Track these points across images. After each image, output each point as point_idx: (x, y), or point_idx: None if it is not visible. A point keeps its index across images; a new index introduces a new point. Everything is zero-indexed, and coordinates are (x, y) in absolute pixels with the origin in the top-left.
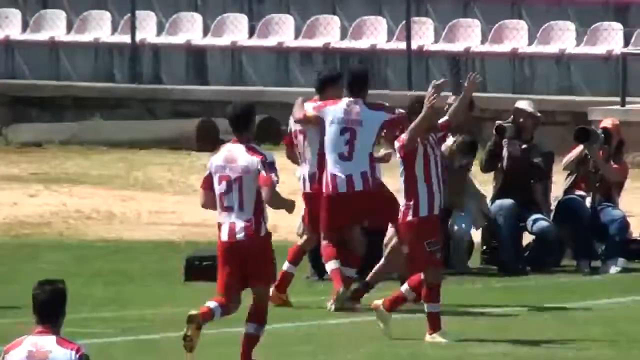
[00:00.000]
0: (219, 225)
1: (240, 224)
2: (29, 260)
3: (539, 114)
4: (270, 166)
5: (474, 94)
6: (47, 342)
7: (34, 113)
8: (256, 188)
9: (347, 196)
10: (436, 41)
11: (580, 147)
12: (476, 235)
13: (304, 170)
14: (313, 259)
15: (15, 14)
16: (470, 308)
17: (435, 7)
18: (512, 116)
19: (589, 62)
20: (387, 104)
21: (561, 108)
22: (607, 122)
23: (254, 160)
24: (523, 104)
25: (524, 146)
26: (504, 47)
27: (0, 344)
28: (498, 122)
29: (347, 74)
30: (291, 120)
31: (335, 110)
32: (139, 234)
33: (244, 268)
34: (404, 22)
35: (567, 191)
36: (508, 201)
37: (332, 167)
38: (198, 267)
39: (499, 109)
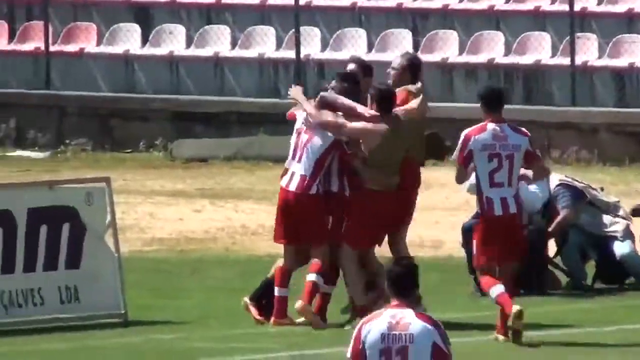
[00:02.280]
0: None
1: None
2: (194, 275)
3: None
4: None
5: None
6: (406, 314)
7: (199, 129)
8: None
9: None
10: (600, 57)
11: None
12: None
13: None
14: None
15: (179, 30)
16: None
17: (599, 22)
18: None
19: None
20: None
21: None
22: None
23: None
24: None
25: None
26: None
27: (168, 359)
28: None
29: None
30: None
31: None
32: None
33: None
34: (568, 37)
35: None
36: None
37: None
38: None
39: None
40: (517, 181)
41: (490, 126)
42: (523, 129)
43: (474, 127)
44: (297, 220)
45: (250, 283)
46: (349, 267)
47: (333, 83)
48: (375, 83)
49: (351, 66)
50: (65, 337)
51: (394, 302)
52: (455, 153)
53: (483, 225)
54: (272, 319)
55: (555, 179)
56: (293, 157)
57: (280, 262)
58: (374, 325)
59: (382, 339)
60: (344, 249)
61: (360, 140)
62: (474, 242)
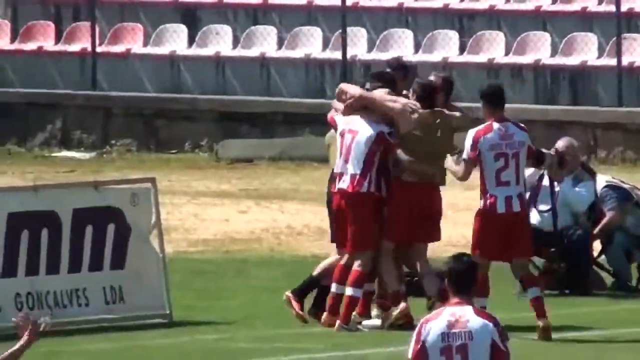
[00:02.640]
0: None
1: None
2: (239, 276)
3: None
4: None
5: None
6: (466, 311)
7: (244, 129)
8: None
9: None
10: None
11: None
12: None
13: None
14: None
15: (226, 30)
16: None
17: None
18: None
19: None
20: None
21: None
22: None
23: None
24: None
25: None
26: None
27: (211, 359)
28: None
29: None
30: None
31: None
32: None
33: None
34: (614, 38)
35: None
36: None
37: None
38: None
39: None
40: (524, 179)
41: (496, 125)
42: (522, 124)
43: (480, 126)
44: (349, 222)
45: (295, 283)
46: (385, 259)
47: (368, 85)
48: (418, 79)
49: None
50: (109, 337)
51: (454, 299)
52: (466, 152)
53: (482, 220)
54: (325, 315)
55: (602, 180)
56: (341, 161)
57: (329, 261)
58: (434, 325)
59: (443, 338)
60: (383, 244)
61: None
62: (473, 232)
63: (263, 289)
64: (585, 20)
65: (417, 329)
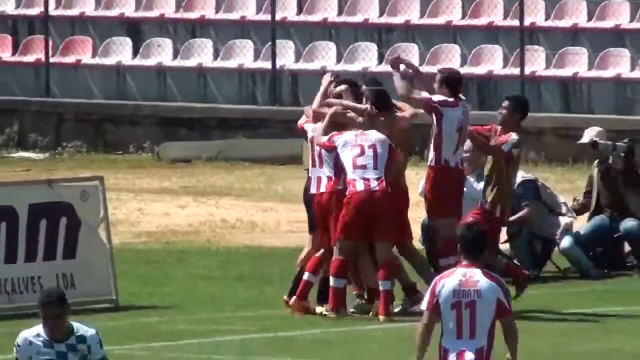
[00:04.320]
0: None
1: None
2: (178, 264)
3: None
4: None
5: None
6: (475, 272)
7: (183, 132)
8: None
9: None
10: (547, 67)
11: None
12: None
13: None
14: None
15: (167, 43)
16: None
17: (547, 36)
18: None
19: None
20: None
21: None
22: None
23: None
24: None
25: None
26: (609, 73)
27: (157, 340)
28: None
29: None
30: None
31: None
32: (278, 242)
33: None
34: (518, 50)
35: None
36: None
37: None
38: None
39: (604, 128)
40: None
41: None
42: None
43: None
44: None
45: (229, 271)
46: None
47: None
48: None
49: (341, 87)
50: None
51: (464, 262)
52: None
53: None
54: (294, 299)
55: (518, 176)
56: (314, 165)
57: (305, 252)
58: (447, 282)
59: (454, 294)
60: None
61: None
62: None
63: (200, 277)
64: (491, 33)
65: (431, 285)
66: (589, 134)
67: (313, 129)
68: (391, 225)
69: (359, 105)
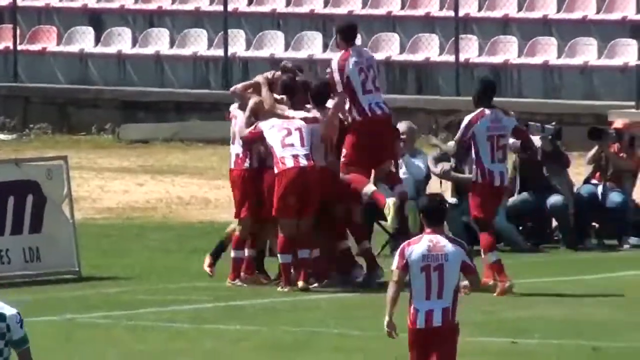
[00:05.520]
0: None
1: None
2: (137, 238)
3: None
4: None
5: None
6: (440, 239)
7: (142, 115)
8: None
9: None
10: (480, 55)
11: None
12: None
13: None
14: None
15: (126, 32)
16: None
17: (480, 26)
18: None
19: (609, 72)
20: None
21: (585, 111)
22: (618, 123)
23: None
24: None
25: None
26: (537, 60)
27: (117, 309)
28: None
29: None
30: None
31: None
32: (230, 217)
33: None
34: (453, 38)
35: (586, 181)
36: None
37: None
38: None
39: (532, 111)
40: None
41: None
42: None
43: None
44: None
45: (184, 245)
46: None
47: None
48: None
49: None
50: (28, 290)
51: (428, 230)
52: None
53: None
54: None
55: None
56: (232, 142)
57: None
58: (416, 247)
59: (423, 258)
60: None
61: None
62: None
63: (158, 250)
64: (428, 23)
65: (400, 250)
66: None
67: (233, 107)
68: (318, 202)
69: (275, 96)
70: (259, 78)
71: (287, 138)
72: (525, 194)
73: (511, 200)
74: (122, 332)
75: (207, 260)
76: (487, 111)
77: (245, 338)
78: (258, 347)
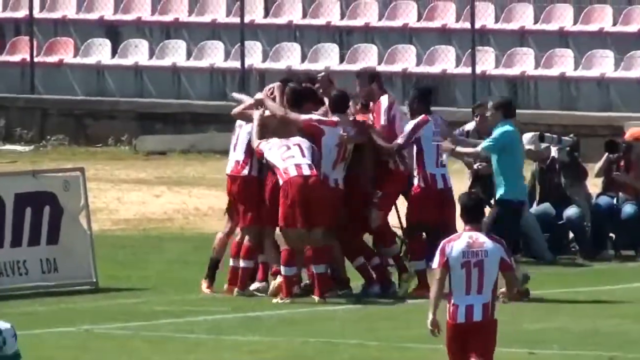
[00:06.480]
0: None
1: None
2: (154, 250)
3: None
4: None
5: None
6: (479, 235)
7: (159, 126)
8: None
9: None
10: (496, 67)
11: (605, 156)
12: None
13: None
14: None
15: (143, 44)
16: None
17: (496, 37)
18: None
19: (626, 84)
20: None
21: (602, 123)
22: (626, 135)
23: None
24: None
25: None
26: (554, 72)
27: (134, 320)
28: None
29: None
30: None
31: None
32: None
33: None
34: (469, 50)
35: (600, 194)
36: None
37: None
38: None
39: (549, 123)
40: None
41: None
42: None
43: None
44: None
45: (201, 256)
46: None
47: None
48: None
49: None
50: (45, 301)
51: (467, 227)
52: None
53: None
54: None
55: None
56: (234, 150)
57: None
58: (456, 244)
59: (463, 255)
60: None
61: None
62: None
63: (174, 261)
64: (444, 35)
65: (440, 247)
66: (526, 139)
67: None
68: (325, 211)
69: (278, 107)
70: (258, 96)
71: (287, 152)
72: (544, 205)
73: (533, 210)
74: (140, 343)
75: (204, 284)
76: (429, 117)
77: (263, 349)
78: (276, 358)
